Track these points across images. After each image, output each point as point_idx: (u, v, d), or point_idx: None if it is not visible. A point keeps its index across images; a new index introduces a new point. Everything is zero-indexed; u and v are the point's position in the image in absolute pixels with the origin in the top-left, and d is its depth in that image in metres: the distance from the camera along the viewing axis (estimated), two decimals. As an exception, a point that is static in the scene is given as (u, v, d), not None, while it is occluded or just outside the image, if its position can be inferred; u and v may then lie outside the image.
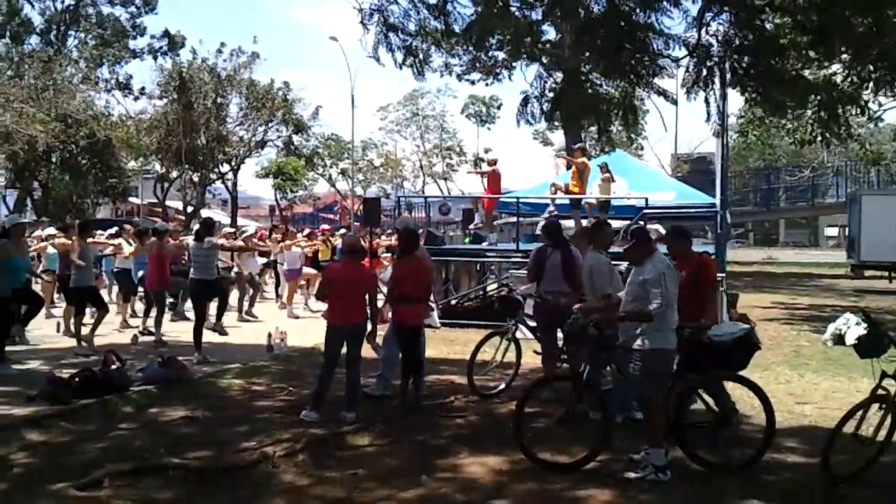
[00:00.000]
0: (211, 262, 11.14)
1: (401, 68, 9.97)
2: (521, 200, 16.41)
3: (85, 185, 38.02)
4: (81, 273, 11.77)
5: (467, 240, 22.40)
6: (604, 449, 6.28)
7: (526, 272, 9.70)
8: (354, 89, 55.62)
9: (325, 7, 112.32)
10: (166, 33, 45.44)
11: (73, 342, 11.73)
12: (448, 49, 16.42)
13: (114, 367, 8.85)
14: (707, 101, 9.18)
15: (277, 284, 18.96)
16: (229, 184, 47.70)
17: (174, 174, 42.29)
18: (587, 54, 10.10)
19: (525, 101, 10.56)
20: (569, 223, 19.74)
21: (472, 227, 18.73)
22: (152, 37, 45.85)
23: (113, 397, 8.37)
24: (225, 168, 45.30)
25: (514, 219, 24.71)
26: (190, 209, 43.39)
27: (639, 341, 6.07)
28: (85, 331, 11.76)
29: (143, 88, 43.00)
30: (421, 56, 10.31)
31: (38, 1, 44.43)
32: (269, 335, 11.87)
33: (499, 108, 66.53)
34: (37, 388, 8.35)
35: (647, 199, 14.63)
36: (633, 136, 61.39)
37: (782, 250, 54.69)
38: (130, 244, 14.40)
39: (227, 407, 8.43)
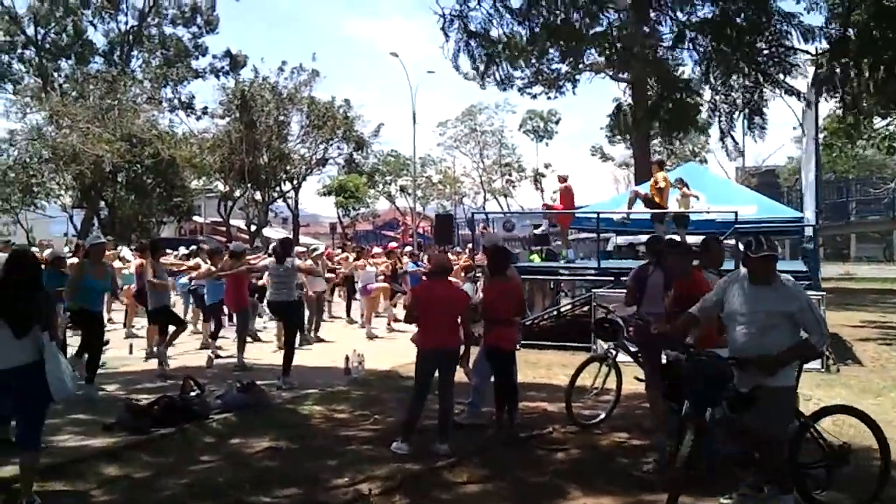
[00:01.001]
0: (291, 283, 10.74)
1: (482, 78, 9.49)
2: (601, 215, 15.69)
3: (150, 205, 38.38)
4: (158, 293, 11.57)
5: (534, 257, 21.80)
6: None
7: (624, 292, 9.06)
8: (416, 105, 55.62)
9: (380, 22, 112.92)
10: (228, 53, 45.98)
11: (147, 365, 11.49)
12: (519, 58, 15.88)
13: (193, 393, 8.47)
14: (844, 101, 8.44)
15: (349, 304, 18.58)
16: (290, 202, 47.76)
17: (237, 193, 42.47)
18: (703, 51, 9.43)
19: (618, 108, 9.96)
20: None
21: (554, 245, 18.08)
22: (214, 56, 46.41)
23: (192, 426, 7.99)
24: (286, 186, 45.37)
25: (583, 235, 24.14)
26: (252, 228, 43.53)
27: (770, 379, 5.38)
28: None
29: (205, 108, 43.42)
30: (504, 64, 9.82)
31: (102, 22, 45.28)
32: (347, 358, 11.42)
33: (557, 122, 66.18)
34: (114, 417, 8.01)
35: (736, 214, 13.86)
36: (696, 147, 60.78)
37: (857, 265, 52.68)
38: (207, 263, 14.16)
39: (311, 437, 7.97)
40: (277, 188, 43.92)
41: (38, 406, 5.72)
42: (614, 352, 8.35)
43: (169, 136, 38.08)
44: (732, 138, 10.80)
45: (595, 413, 8.39)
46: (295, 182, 45.24)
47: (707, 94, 10.09)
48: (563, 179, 16.33)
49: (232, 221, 44.94)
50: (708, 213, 16.30)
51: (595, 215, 15.42)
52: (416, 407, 7.35)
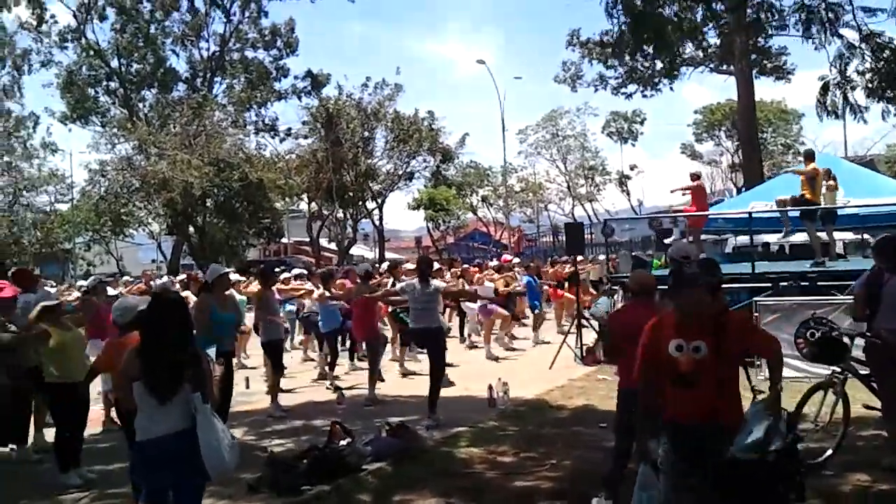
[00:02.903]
0: (434, 308, 9.58)
1: (654, 61, 8.24)
2: (753, 214, 14.22)
3: (239, 228, 38.11)
4: (270, 326, 10.70)
5: (657, 262, 20.29)
6: None
7: (852, 302, 7.64)
8: (504, 112, 53.79)
9: (448, 42, 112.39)
10: (309, 73, 45.66)
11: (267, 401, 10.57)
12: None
13: (343, 442, 7.37)
14: None
15: (462, 323, 17.43)
16: (374, 218, 47.14)
17: (325, 212, 42.01)
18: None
19: (824, 88, 8.56)
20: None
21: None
22: (295, 77, 46.19)
23: (347, 481, 6.90)
24: (370, 204, 44.78)
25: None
26: (337, 246, 43.03)
27: None
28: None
29: (289, 129, 43.19)
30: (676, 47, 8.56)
31: (184, 50, 45.57)
32: (491, 388, 10.24)
33: (642, 122, 63.80)
34: (251, 469, 6.97)
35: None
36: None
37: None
38: (319, 288, 13.23)
39: (484, 490, 6.76)
40: (364, 205, 43.37)
41: (192, 484, 4.67)
42: (841, 377, 6.94)
43: (256, 158, 37.78)
44: None
45: (821, 448, 6.97)
46: (379, 199, 44.65)
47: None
48: (695, 177, 14.93)
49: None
50: (872, 205, 14.70)
51: (746, 214, 13.95)
52: (620, 456, 6.07)
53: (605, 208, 62.37)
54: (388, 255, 47.50)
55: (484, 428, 9.03)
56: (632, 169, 62.21)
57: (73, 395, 7.28)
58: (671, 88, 35.03)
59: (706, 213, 15.21)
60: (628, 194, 62.76)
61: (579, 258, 21.58)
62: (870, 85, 8.48)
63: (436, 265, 14.40)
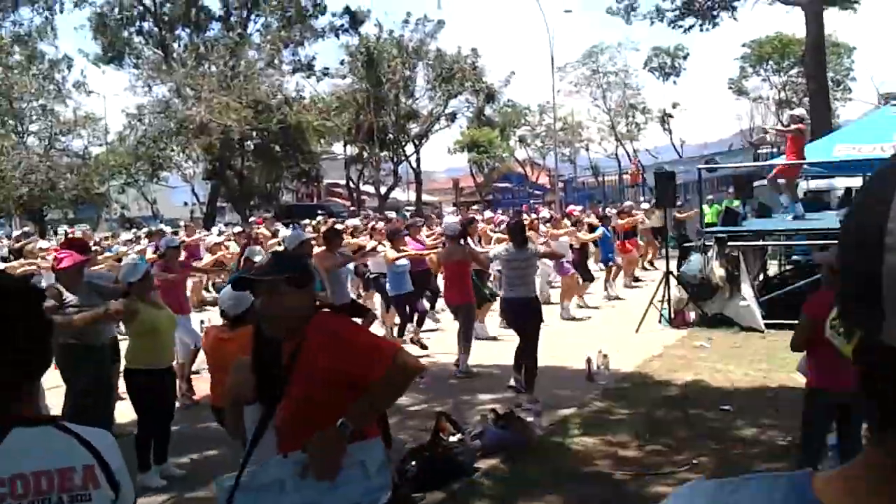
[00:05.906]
0: (530, 275, 8.61)
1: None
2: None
3: (278, 172, 37.21)
4: (339, 290, 9.80)
5: (709, 208, 18.92)
6: None
7: None
8: (553, 48, 50.89)
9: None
10: (347, 9, 43.92)
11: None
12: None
13: (453, 437, 6.46)
14: None
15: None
16: (412, 160, 45.87)
17: (365, 155, 40.89)
18: None
19: None
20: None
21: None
22: (333, 14, 44.51)
23: (462, 486, 6.02)
24: (409, 147, 43.42)
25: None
26: (376, 190, 41.92)
27: None
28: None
29: (326, 69, 41.73)
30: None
31: (218, -14, 43.93)
32: (589, 360, 9.31)
33: (685, 58, 61.48)
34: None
35: None
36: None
37: None
38: (384, 246, 12.23)
39: (621, 498, 5.85)
40: (402, 148, 42.12)
41: None
42: None
43: (296, 101, 36.58)
44: None
45: None
46: (417, 141, 43.36)
47: None
48: (797, 119, 13.54)
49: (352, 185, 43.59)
50: None
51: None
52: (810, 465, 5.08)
53: (645, 148, 60.71)
54: (425, 197, 46.52)
55: (591, 412, 8.11)
56: (674, 107, 60.16)
57: (162, 383, 6.42)
58: (733, 17, 33.13)
59: (802, 162, 13.85)
60: (670, 133, 60.95)
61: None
62: None
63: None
